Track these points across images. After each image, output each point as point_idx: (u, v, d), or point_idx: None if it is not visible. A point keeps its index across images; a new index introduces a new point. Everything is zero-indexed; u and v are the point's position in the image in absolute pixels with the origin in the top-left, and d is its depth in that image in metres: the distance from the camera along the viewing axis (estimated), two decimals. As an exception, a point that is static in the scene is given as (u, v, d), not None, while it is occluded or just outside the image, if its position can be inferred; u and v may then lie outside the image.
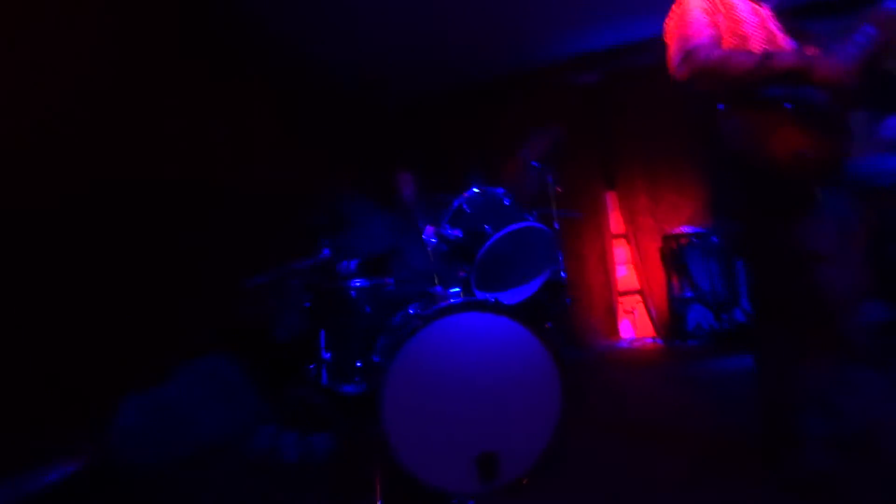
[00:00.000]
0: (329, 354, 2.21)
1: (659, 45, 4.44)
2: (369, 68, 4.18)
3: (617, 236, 4.54)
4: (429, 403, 1.59)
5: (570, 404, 1.68)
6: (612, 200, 4.54)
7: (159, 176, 2.53)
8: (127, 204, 2.36)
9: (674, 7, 1.62)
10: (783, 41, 1.59)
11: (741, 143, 1.47)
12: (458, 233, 1.86)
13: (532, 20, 3.83)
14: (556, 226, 2.22)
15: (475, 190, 1.99)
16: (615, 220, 4.53)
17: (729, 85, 1.46)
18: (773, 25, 1.61)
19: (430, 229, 1.87)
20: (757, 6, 1.62)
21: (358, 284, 2.29)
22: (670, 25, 1.61)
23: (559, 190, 2.40)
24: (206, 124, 2.87)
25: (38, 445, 1.88)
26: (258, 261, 2.48)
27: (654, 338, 4.27)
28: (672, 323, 4.15)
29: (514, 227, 1.77)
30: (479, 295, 1.85)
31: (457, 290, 1.77)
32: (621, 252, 4.55)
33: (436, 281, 1.80)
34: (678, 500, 1.51)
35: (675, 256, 4.14)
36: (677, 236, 4.12)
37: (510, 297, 1.95)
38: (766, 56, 1.42)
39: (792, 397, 1.52)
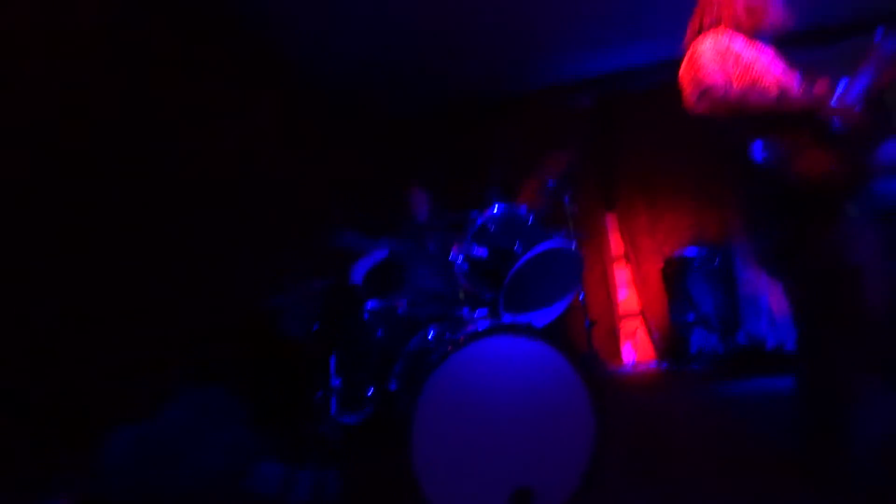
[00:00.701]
0: (338, 381, 2.08)
1: (655, 71, 4.54)
2: (373, 83, 4.15)
3: (617, 258, 4.52)
4: (459, 434, 1.48)
5: (603, 433, 1.58)
6: (611, 222, 4.54)
7: (160, 189, 2.40)
8: (118, 219, 2.21)
9: (685, 57, 1.70)
10: (790, 76, 1.66)
11: (770, 168, 1.52)
12: (482, 252, 1.78)
13: (531, 42, 3.87)
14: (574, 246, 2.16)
15: (497, 208, 1.92)
16: (615, 242, 4.52)
17: (749, 118, 1.53)
18: (779, 63, 1.69)
19: (454, 248, 1.78)
20: (760, 46, 1.70)
21: (369, 307, 2.19)
22: (683, 72, 1.69)
23: (576, 210, 2.35)
24: (213, 135, 2.77)
25: (24, 479, 1.70)
26: (262, 282, 2.35)
27: (656, 362, 4.21)
28: (674, 346, 4.10)
29: (546, 246, 1.69)
30: (506, 317, 1.76)
31: (483, 311, 1.68)
32: (622, 274, 4.52)
33: (460, 301, 1.70)
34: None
35: (676, 279, 4.12)
36: (677, 259, 4.12)
37: (535, 319, 1.87)
38: (780, 98, 1.51)
39: (836, 408, 1.52)
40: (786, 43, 1.77)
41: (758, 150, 1.52)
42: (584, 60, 4.25)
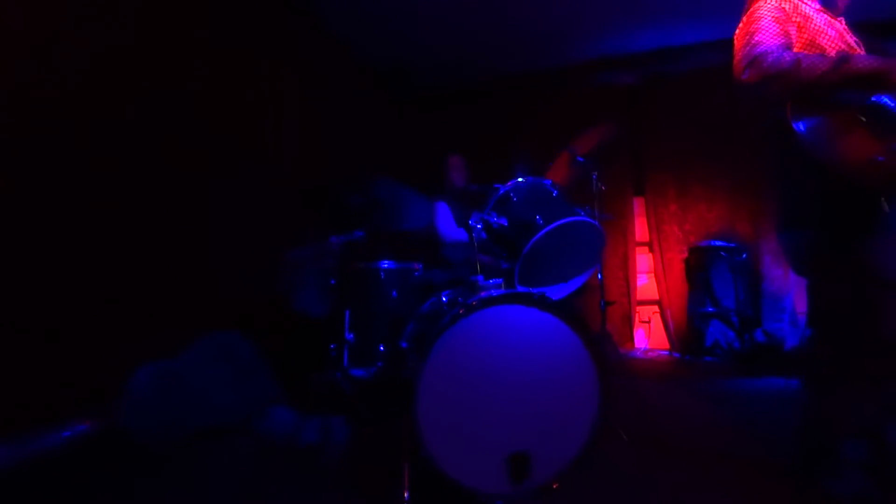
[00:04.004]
0: (352, 336, 2.14)
1: (699, 52, 4.34)
2: (411, 52, 4.10)
3: (641, 244, 4.44)
4: (464, 396, 1.51)
5: (606, 410, 1.60)
6: (639, 206, 4.45)
7: (190, 140, 2.45)
8: (148, 170, 2.27)
9: (745, 16, 1.55)
10: (859, 51, 1.52)
11: (811, 146, 1.38)
12: (503, 221, 1.77)
13: (574, 15, 3.74)
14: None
15: (522, 179, 1.90)
16: (640, 227, 4.43)
17: (801, 89, 1.39)
18: (851, 38, 1.54)
19: (475, 215, 1.78)
20: (833, 19, 1.55)
21: (386, 266, 2.22)
22: (738, 33, 1.55)
23: (603, 188, 2.31)
24: (240, 98, 2.78)
25: (49, 405, 1.82)
26: (285, 236, 2.40)
27: (669, 350, 4.19)
28: (689, 337, 4.06)
29: (568, 219, 1.68)
30: (521, 288, 1.77)
31: (498, 280, 1.69)
32: (644, 260, 4.46)
33: (477, 269, 1.71)
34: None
35: (700, 269, 4.05)
36: (703, 249, 4.03)
37: (550, 293, 1.87)
38: (842, 59, 1.35)
39: (837, 420, 1.48)
40: (864, 29, 1.59)
41: (800, 127, 1.37)
42: (630, 36, 4.08)
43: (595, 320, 2.43)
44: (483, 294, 1.57)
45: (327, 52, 3.72)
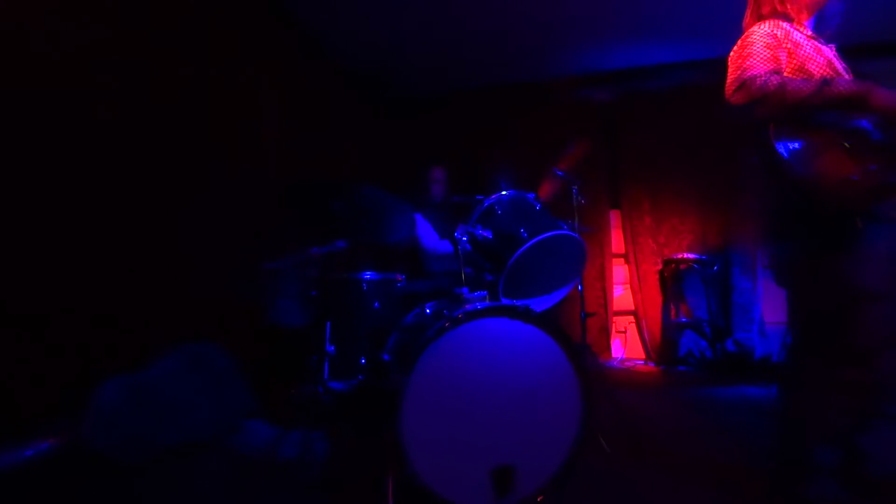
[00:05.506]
0: (333, 348, 2.11)
1: (673, 71, 4.49)
2: (394, 60, 4.11)
3: (617, 255, 4.53)
4: (448, 410, 1.50)
5: (589, 421, 1.62)
6: (615, 219, 4.54)
7: (166, 143, 2.38)
8: (120, 171, 2.19)
9: (739, 40, 1.62)
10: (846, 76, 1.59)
11: (790, 165, 1.44)
12: (487, 233, 1.79)
13: (553, 32, 3.82)
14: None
15: (505, 192, 1.92)
16: (616, 239, 4.53)
17: (786, 110, 1.45)
18: (839, 65, 1.61)
19: (460, 227, 1.78)
20: (821, 46, 1.62)
21: (368, 277, 2.20)
22: (732, 56, 1.61)
23: (583, 202, 2.35)
24: (220, 102, 2.73)
25: (11, 422, 1.72)
26: (265, 244, 2.35)
27: (644, 360, 4.27)
28: (663, 347, 4.16)
29: (553, 233, 1.70)
30: (505, 300, 1.78)
31: (483, 293, 1.69)
32: (619, 271, 4.54)
33: (462, 281, 1.72)
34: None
35: (674, 281, 4.16)
36: (677, 261, 4.15)
37: (533, 305, 1.88)
38: (825, 82, 1.42)
39: (811, 427, 1.52)
40: (852, 52, 1.68)
41: (781, 147, 1.43)
42: (607, 53, 4.19)
43: (575, 331, 2.46)
44: (468, 307, 1.57)
45: (310, 56, 3.70)
